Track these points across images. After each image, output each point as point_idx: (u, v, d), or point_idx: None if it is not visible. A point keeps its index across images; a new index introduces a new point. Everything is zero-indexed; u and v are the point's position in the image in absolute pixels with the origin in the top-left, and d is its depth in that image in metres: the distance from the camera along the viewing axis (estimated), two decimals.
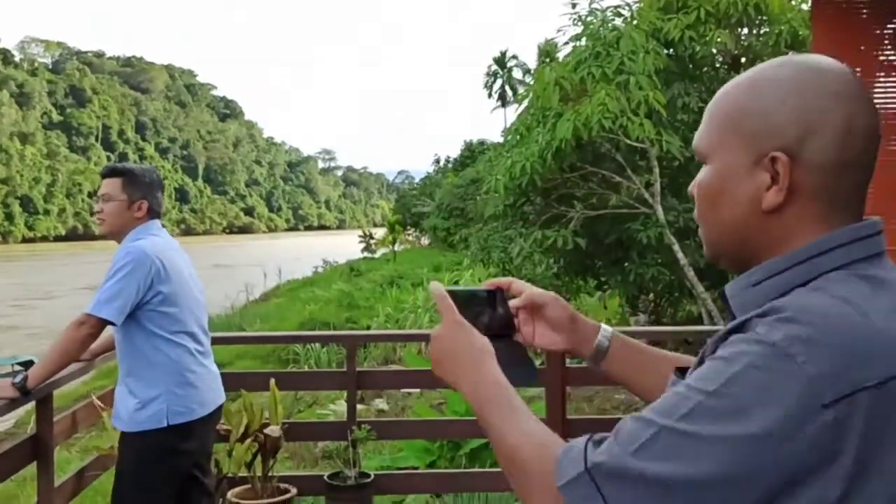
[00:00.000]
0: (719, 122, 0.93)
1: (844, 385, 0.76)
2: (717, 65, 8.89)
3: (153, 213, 2.94)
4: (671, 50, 8.20)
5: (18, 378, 2.67)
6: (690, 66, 8.48)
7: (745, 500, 0.77)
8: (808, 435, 0.75)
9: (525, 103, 10.00)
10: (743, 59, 8.48)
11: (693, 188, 0.97)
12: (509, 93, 65.24)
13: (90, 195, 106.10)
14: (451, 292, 1.08)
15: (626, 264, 8.35)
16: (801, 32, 7.92)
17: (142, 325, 2.79)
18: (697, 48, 8.30)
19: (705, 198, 0.95)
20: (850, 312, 0.80)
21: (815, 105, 0.87)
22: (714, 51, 8.71)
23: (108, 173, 2.99)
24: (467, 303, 1.10)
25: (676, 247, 7.81)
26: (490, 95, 68.44)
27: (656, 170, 7.93)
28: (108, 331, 2.91)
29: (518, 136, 8.81)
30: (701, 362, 0.87)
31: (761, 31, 8.52)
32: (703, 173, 0.95)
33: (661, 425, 0.79)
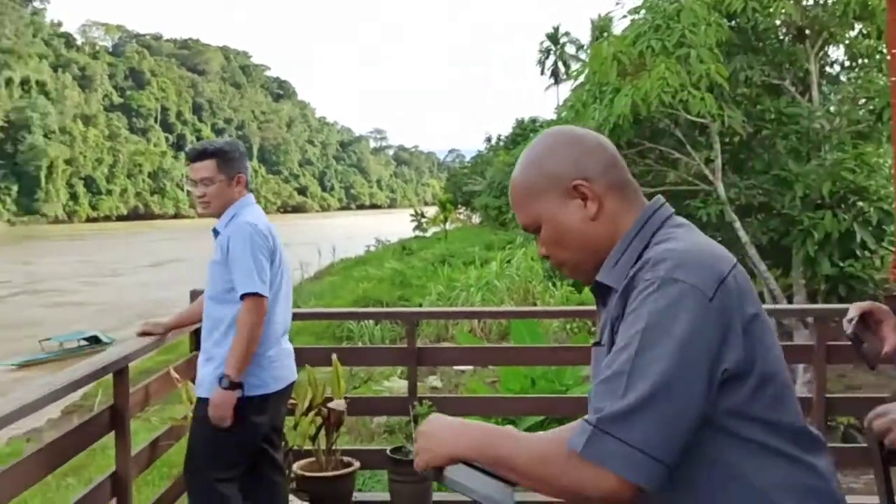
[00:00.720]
0: (524, 201, 1.32)
1: (713, 282, 1.15)
2: (781, 36, 8.60)
3: (247, 185, 3.01)
4: (733, 22, 7.96)
5: (224, 382, 2.79)
6: (753, 38, 8.22)
7: (698, 384, 1.11)
8: (711, 322, 1.12)
9: (581, 79, 9.86)
10: (808, 31, 8.19)
11: (543, 253, 1.35)
12: (562, 70, 64.36)
13: (150, 175, 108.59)
14: None
15: None
16: (870, 2, 7.62)
17: (237, 297, 2.85)
18: (761, 20, 8.04)
19: (555, 245, 1.33)
20: (687, 245, 1.21)
21: (573, 141, 1.32)
22: (778, 22, 8.44)
23: (200, 156, 2.96)
24: None
25: (738, 224, 7.65)
26: (542, 73, 67.59)
27: (717, 145, 7.75)
28: (197, 305, 3.07)
29: (574, 113, 8.70)
30: (613, 329, 1.21)
31: (828, 2, 8.22)
32: (543, 235, 1.32)
33: (625, 371, 1.11)
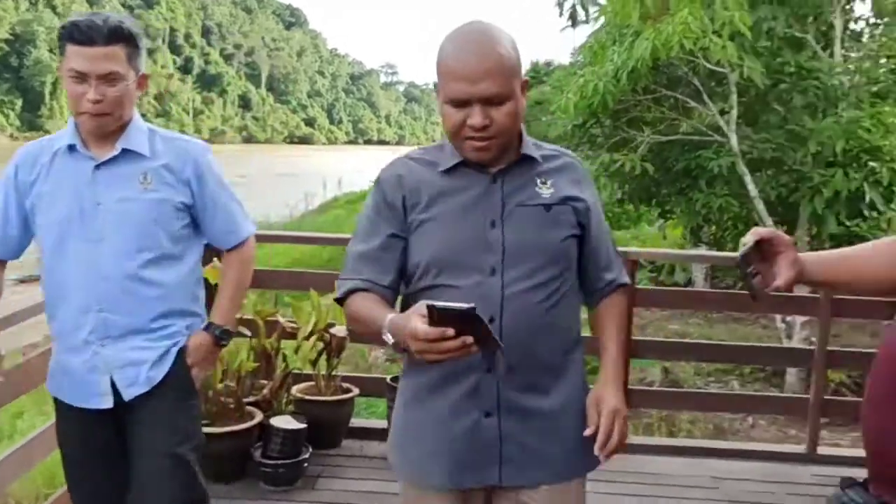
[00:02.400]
0: (509, 74, 1.46)
1: None
2: None
3: None
4: None
5: (218, 331, 2.20)
6: None
7: None
8: None
9: (601, 21, 9.66)
10: None
11: (486, 123, 1.46)
12: (580, 12, 62.94)
13: (156, 97, 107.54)
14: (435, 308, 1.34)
15: (694, 193, 8.16)
16: None
17: (186, 251, 2.17)
18: None
19: (509, 119, 1.49)
20: None
21: None
22: None
23: (107, 37, 1.93)
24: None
25: (748, 178, 7.59)
26: (561, 14, 66.03)
27: (734, 96, 7.63)
28: None
29: (592, 55, 8.55)
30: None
31: None
32: (505, 108, 1.48)
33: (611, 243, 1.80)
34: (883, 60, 7.98)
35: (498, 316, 1.49)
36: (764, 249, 1.40)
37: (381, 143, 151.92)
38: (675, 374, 8.23)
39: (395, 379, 3.62)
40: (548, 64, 43.19)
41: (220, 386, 3.29)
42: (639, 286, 3.73)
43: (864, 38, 8.79)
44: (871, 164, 7.22)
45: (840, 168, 7.09)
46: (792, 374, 7.60)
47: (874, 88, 7.68)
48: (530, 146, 1.59)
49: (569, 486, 1.61)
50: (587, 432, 1.53)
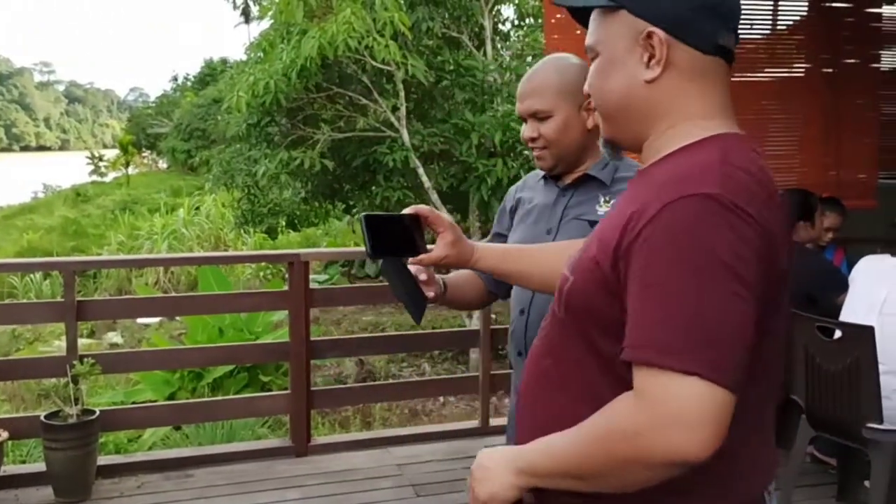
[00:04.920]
0: (553, 92, 1.68)
1: None
2: None
3: None
4: None
5: None
6: None
7: None
8: None
9: (269, 18, 9.52)
10: None
11: (535, 133, 1.72)
12: (254, 9, 61.85)
13: None
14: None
15: (373, 188, 8.38)
16: None
17: None
18: None
19: (564, 133, 1.72)
20: None
21: None
22: None
23: None
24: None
25: (421, 170, 7.97)
26: (235, 7, 64.31)
27: (402, 93, 7.96)
28: None
29: (261, 53, 8.39)
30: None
31: None
32: (555, 122, 1.70)
33: None
34: (529, 58, 8.84)
35: (527, 310, 1.73)
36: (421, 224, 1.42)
37: (42, 148, 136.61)
38: (371, 365, 8.42)
39: (50, 415, 3.19)
40: (223, 61, 42.08)
41: None
42: (320, 286, 3.69)
43: (511, 39, 9.69)
44: (525, 152, 7.98)
45: (500, 158, 7.74)
46: (476, 352, 8.17)
47: None
48: (599, 168, 1.73)
49: None
50: None
